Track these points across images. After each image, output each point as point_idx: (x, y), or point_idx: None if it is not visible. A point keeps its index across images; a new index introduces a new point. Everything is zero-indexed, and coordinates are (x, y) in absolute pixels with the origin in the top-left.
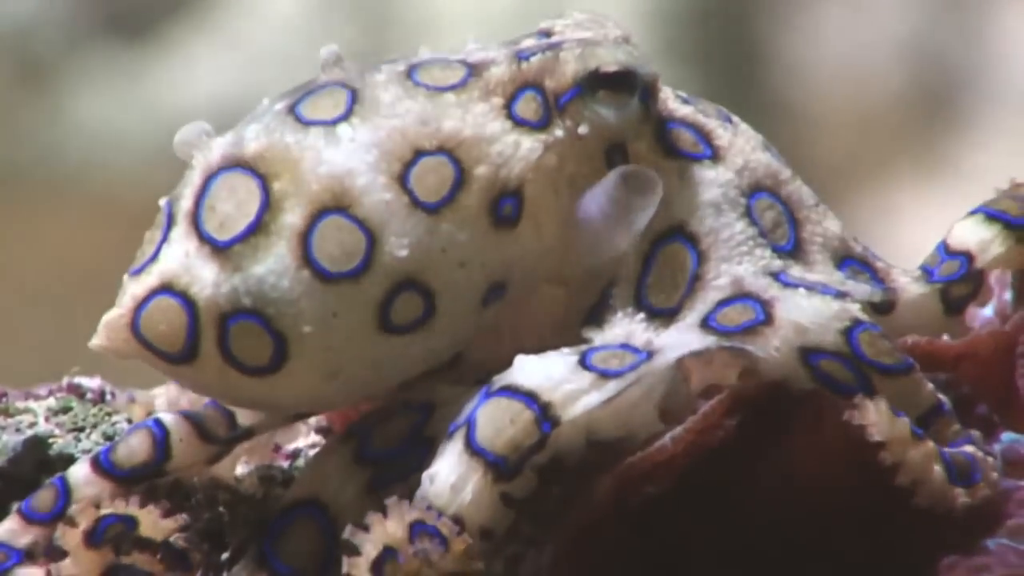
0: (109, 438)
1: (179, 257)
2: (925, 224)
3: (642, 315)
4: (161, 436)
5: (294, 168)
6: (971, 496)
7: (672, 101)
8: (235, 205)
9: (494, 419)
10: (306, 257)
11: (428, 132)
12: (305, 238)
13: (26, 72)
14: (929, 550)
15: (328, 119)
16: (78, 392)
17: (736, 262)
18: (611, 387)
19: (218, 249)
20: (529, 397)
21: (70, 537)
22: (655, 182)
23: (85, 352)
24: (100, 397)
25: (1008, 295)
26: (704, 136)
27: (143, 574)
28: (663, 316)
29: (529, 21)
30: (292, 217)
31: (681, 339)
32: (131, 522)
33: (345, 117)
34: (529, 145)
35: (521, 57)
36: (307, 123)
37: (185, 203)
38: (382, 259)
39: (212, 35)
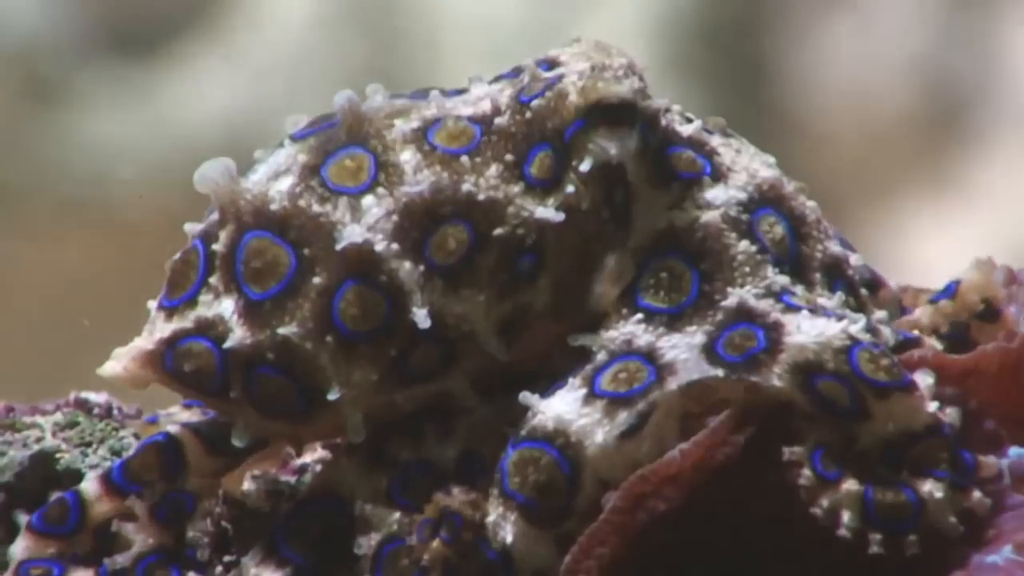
0: (116, 453)
1: (217, 306)
2: (934, 242)
3: (640, 316)
4: (172, 451)
5: (323, 238)
6: (886, 549)
7: (677, 123)
8: (266, 264)
9: (519, 467)
10: (330, 321)
11: (444, 199)
12: (330, 303)
13: (32, 89)
14: (936, 567)
15: (354, 188)
16: (85, 407)
17: (739, 283)
18: (623, 419)
19: (251, 303)
20: (546, 442)
21: (138, 506)
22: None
23: (91, 368)
24: (107, 412)
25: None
26: (705, 154)
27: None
28: (660, 315)
29: (536, 36)
30: (319, 281)
31: (690, 364)
32: (191, 500)
33: (369, 187)
34: (543, 207)
35: (523, 101)
36: (334, 191)
37: (221, 250)
38: (402, 321)
39: (220, 51)
